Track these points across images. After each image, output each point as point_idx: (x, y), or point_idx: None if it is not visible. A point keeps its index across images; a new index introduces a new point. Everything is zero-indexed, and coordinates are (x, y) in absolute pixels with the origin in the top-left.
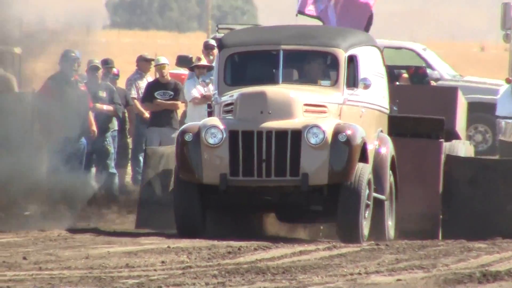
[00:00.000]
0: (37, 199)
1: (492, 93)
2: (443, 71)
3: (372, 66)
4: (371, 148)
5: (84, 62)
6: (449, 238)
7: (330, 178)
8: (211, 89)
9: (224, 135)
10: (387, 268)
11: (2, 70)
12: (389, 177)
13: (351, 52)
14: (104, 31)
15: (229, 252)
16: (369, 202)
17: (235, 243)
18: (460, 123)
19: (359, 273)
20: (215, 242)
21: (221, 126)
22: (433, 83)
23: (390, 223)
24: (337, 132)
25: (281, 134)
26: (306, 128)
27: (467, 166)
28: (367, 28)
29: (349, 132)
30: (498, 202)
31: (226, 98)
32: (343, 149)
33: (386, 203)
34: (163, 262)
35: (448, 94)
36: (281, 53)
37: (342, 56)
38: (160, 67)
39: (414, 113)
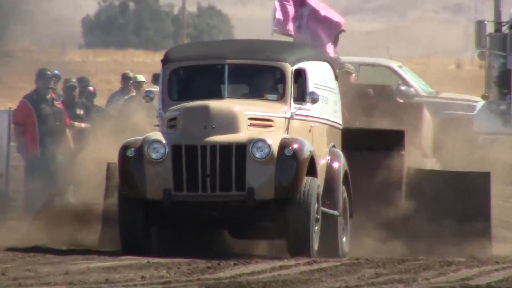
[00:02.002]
0: (14, 216)
1: (469, 109)
2: (419, 87)
3: (322, 81)
4: (322, 163)
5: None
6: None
7: (276, 193)
8: (154, 104)
9: (167, 150)
10: (367, 282)
11: None
12: (342, 193)
13: (299, 66)
14: (80, 51)
15: (209, 267)
16: (318, 216)
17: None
18: (426, 140)
19: None
20: (195, 258)
21: (164, 141)
22: (399, 100)
23: (344, 239)
24: (283, 146)
25: (226, 148)
26: (251, 142)
27: (428, 179)
28: (334, 44)
29: (295, 146)
30: (456, 215)
31: (170, 113)
32: (290, 163)
33: (340, 219)
34: (142, 277)
35: (414, 111)
36: (226, 67)
37: (289, 70)
38: (137, 84)
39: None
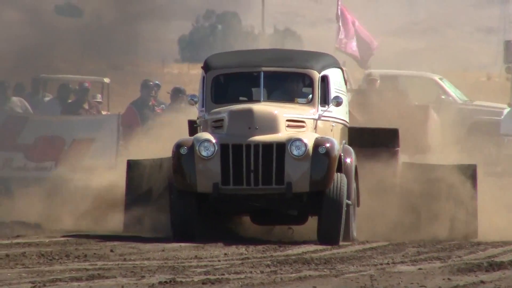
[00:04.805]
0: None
1: (497, 115)
2: (456, 96)
3: (338, 85)
4: None
5: (163, 89)
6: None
7: (311, 186)
8: (197, 107)
9: (216, 148)
10: (410, 259)
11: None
12: (353, 184)
13: (324, 72)
14: (177, 64)
15: (280, 246)
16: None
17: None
18: (433, 137)
19: (387, 263)
20: (270, 239)
21: (213, 140)
22: (415, 103)
23: (354, 225)
24: (317, 145)
25: (267, 147)
26: (290, 141)
27: (419, 171)
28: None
29: (328, 145)
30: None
31: (214, 115)
32: (323, 160)
33: (351, 207)
34: (225, 254)
35: (421, 112)
36: (262, 74)
37: (317, 76)
38: None
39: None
